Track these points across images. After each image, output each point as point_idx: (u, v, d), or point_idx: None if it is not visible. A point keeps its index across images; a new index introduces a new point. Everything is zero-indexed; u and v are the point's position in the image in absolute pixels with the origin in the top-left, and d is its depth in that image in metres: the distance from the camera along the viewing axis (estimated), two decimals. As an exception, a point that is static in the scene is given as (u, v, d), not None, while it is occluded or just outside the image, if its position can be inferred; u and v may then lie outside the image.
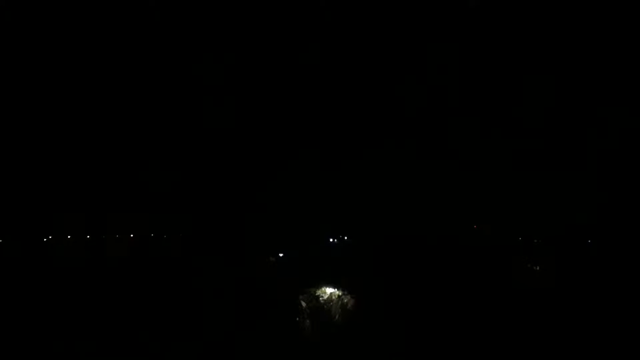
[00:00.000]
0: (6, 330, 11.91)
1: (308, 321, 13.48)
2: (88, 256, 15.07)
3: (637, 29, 14.46)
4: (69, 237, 15.40)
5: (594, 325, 12.31)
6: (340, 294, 14.16)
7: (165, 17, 15.08)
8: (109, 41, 15.15)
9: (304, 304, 13.88)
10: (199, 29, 15.32)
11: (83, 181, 15.57)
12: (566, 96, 15.63)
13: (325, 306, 13.93)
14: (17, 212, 14.90)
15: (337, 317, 13.66)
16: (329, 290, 14.26)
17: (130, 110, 15.80)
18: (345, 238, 16.52)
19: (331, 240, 16.44)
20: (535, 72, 15.60)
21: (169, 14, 15.10)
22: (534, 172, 16.09)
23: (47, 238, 15.17)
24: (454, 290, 13.89)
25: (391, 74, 16.05)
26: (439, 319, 12.84)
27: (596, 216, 15.39)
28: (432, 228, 16.28)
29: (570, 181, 15.82)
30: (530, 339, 11.99)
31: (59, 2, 14.56)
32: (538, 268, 15.37)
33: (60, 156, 15.50)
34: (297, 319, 13.51)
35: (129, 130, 15.84)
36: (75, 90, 15.47)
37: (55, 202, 15.27)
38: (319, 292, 14.21)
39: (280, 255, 15.67)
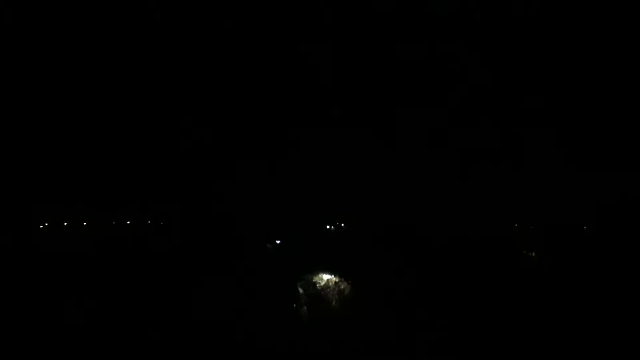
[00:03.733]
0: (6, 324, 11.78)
1: (305, 307, 13.53)
2: (82, 244, 15.06)
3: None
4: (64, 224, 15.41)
5: (592, 311, 12.36)
6: (337, 280, 14.21)
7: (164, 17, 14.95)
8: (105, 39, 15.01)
9: (301, 290, 13.92)
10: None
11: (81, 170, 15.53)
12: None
13: (322, 292, 13.98)
14: (14, 202, 14.82)
15: (334, 303, 13.72)
16: (326, 276, 14.31)
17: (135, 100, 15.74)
18: (342, 225, 16.55)
19: (328, 227, 16.47)
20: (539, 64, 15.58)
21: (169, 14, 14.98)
22: (530, 161, 16.12)
23: (43, 227, 15.15)
24: (450, 277, 13.95)
25: (396, 65, 16.01)
26: (435, 305, 12.90)
27: (594, 204, 15.44)
28: (427, 216, 16.30)
29: (568, 169, 15.86)
30: (528, 325, 12.05)
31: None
32: (534, 254, 15.44)
33: (60, 149, 15.44)
34: (295, 305, 13.55)
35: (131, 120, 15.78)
36: (74, 84, 15.35)
37: (52, 192, 15.24)
38: (315, 279, 14.26)
39: (277, 242, 15.69)
